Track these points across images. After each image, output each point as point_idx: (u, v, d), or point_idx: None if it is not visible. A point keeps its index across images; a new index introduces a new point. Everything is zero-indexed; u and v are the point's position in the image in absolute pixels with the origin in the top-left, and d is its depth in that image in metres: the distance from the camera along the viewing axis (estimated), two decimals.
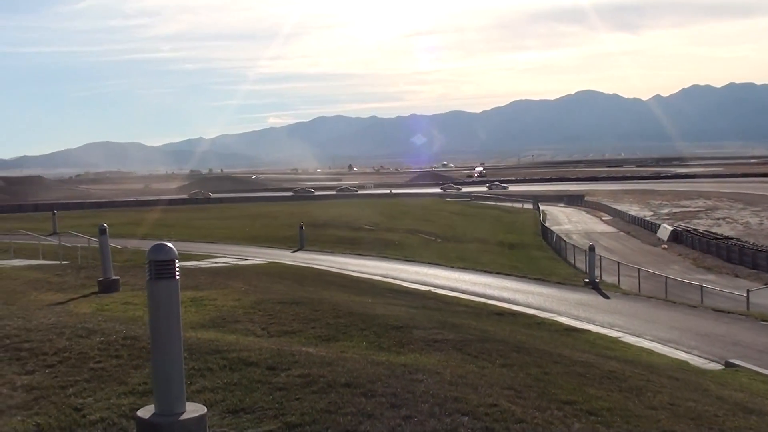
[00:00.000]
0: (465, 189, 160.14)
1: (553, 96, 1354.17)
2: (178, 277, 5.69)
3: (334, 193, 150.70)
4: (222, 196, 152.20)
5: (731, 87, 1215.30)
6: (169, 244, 5.73)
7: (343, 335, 12.74)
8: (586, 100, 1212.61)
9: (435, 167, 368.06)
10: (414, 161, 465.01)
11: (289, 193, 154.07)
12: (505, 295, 29.27)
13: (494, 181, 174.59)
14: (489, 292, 29.81)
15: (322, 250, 46.06)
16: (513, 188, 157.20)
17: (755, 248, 52.01)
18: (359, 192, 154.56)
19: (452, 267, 40.36)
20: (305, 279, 28.24)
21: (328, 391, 7.41)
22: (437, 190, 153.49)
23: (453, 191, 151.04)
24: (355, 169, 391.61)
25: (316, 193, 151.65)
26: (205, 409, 5.86)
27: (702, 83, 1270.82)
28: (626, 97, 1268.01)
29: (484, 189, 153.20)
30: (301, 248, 46.92)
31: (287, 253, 44.49)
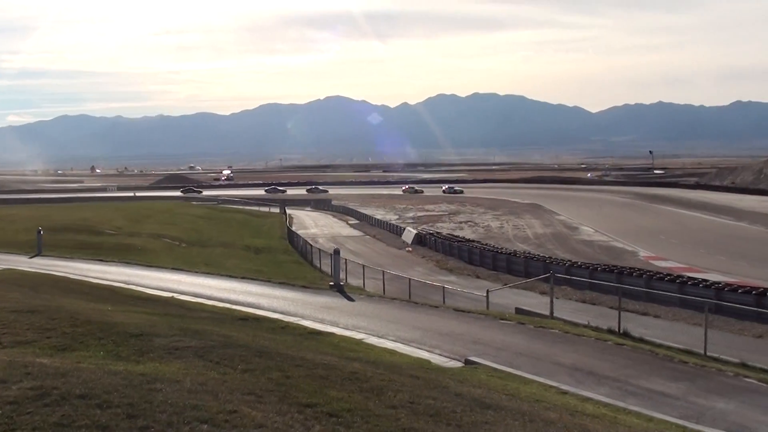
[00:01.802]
0: (214, 192, 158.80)
1: (302, 100, 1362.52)
2: None
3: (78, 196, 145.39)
4: None
5: (475, 96, 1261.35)
6: None
7: (80, 345, 12.26)
8: (336, 105, 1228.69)
9: (181, 169, 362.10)
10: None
11: (30, 196, 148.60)
12: (250, 299, 29.14)
13: (273, 185, 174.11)
14: (233, 297, 29.56)
15: (62, 256, 44.36)
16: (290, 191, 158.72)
17: (495, 250, 54.05)
18: (102, 195, 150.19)
19: (196, 272, 39.78)
20: (42, 286, 27.11)
21: (62, 404, 7.12)
22: (179, 193, 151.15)
23: (195, 194, 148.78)
24: (98, 171, 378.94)
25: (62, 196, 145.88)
26: None
27: (448, 92, 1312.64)
28: (374, 103, 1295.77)
29: (257, 192, 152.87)
30: (39, 254, 45.04)
31: (24, 259, 42.60)
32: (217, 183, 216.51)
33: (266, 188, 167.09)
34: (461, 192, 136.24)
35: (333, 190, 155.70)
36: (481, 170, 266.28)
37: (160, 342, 12.38)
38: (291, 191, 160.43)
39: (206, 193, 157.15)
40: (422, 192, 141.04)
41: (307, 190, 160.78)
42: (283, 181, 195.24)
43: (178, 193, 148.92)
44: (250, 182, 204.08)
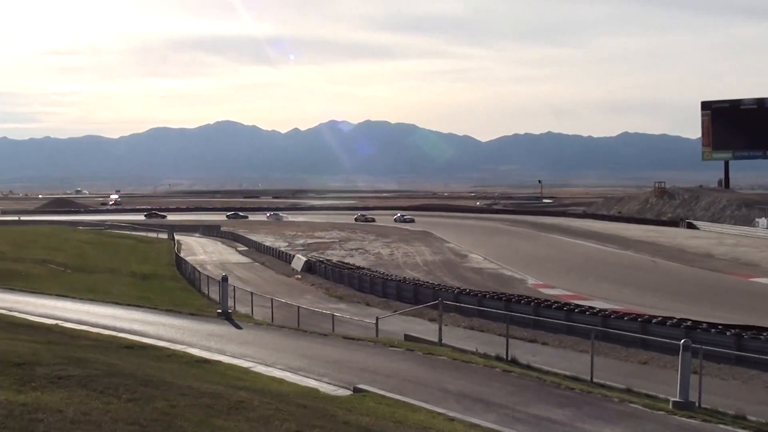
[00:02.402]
0: (99, 217, 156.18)
1: (193, 124, 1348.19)
2: None
3: None
4: None
5: (367, 123, 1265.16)
6: None
7: None
8: (226, 130, 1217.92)
9: (68, 193, 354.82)
10: None
11: None
12: (136, 327, 28.61)
13: (153, 210, 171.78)
14: (119, 324, 28.95)
15: None
16: (171, 217, 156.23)
17: (385, 277, 54.14)
18: None
19: (82, 299, 38.92)
20: None
21: None
22: (68, 217, 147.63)
23: (86, 218, 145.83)
24: None
25: None
26: None
27: (339, 119, 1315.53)
28: (265, 129, 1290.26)
29: (136, 217, 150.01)
30: None
31: None
32: (104, 208, 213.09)
33: (146, 213, 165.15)
34: (373, 220, 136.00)
35: (223, 217, 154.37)
36: (371, 197, 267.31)
37: (43, 371, 12.05)
38: (176, 217, 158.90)
39: (93, 217, 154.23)
40: (374, 220, 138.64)
41: (146, 216, 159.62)
42: (171, 207, 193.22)
43: (65, 218, 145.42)
44: (138, 207, 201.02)
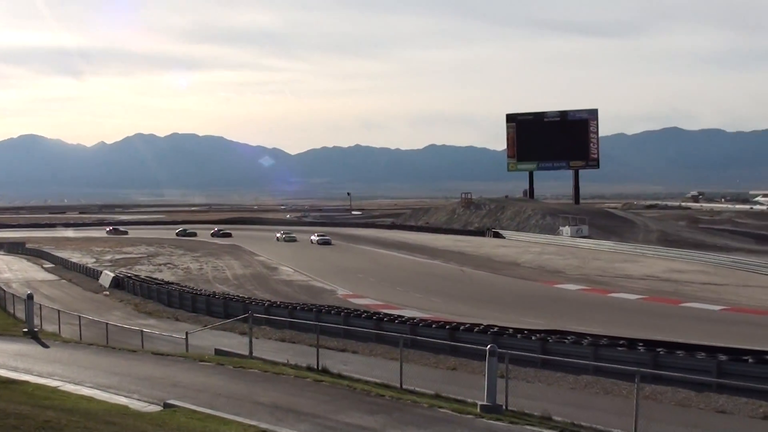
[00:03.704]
0: None
1: None
2: None
3: None
4: None
5: (174, 137, 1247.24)
6: None
7: None
8: (30, 144, 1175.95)
9: None
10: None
11: None
12: None
13: None
14: None
15: None
16: None
17: (195, 292, 53.51)
18: None
19: None
20: None
21: None
22: None
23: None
24: None
25: None
26: None
27: (146, 132, 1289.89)
28: (70, 142, 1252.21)
29: None
30: None
31: None
32: None
33: None
34: (195, 234, 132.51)
35: (33, 233, 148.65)
36: (180, 211, 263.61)
37: None
38: None
39: None
40: (195, 234, 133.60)
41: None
42: None
43: None
44: None
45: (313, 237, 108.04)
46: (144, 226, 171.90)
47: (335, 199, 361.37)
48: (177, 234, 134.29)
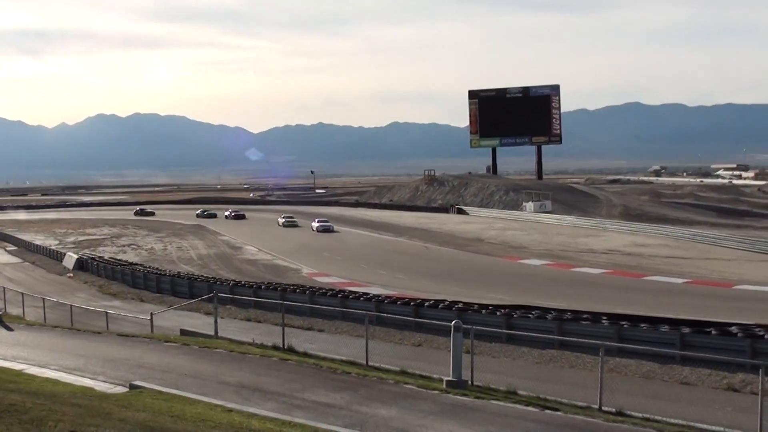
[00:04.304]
0: None
1: None
2: None
3: None
4: None
5: (136, 117, 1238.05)
6: None
7: None
8: None
9: None
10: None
11: None
12: None
13: None
14: None
15: None
16: None
17: (159, 272, 53.34)
18: None
19: None
20: None
21: None
22: None
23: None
24: None
25: None
26: None
27: (108, 113, 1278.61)
28: (31, 124, 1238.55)
29: None
30: None
31: None
32: None
33: None
34: (153, 214, 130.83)
35: None
36: (143, 192, 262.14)
37: None
38: None
39: None
40: (153, 213, 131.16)
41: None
42: None
43: None
44: None
45: (314, 224, 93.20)
46: (102, 208, 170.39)
47: (299, 177, 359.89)
48: (197, 216, 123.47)
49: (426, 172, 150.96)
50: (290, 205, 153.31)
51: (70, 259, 65.90)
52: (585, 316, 29.20)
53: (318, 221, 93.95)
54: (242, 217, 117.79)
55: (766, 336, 24.17)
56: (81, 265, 63.16)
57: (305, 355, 23.55)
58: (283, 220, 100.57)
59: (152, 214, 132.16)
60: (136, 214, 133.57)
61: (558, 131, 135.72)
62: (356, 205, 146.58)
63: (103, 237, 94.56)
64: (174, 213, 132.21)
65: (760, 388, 16.39)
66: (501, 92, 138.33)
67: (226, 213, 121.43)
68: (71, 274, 61.18)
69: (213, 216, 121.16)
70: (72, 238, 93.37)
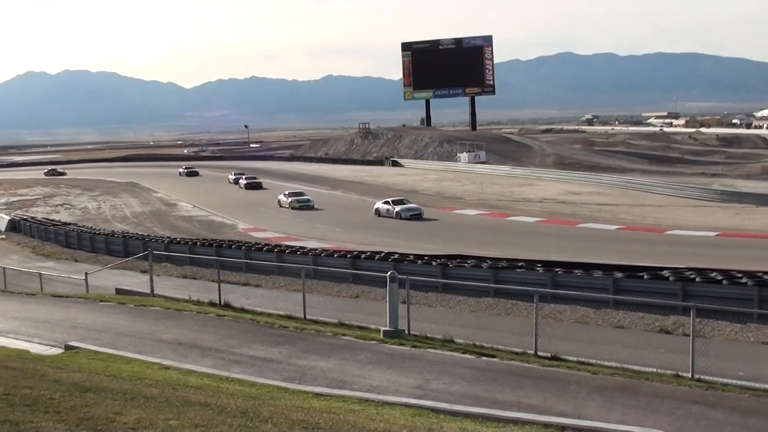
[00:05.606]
0: None
1: None
2: None
3: None
4: None
5: (66, 74, 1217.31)
6: None
7: None
8: None
9: None
10: None
11: None
12: None
13: None
14: None
15: None
16: None
17: (93, 232, 52.77)
18: None
19: None
20: None
21: None
22: None
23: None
24: None
25: None
26: None
27: (37, 70, 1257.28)
28: None
29: None
30: None
31: None
32: None
33: None
34: (64, 174, 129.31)
35: None
36: (76, 150, 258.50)
37: None
38: None
39: None
40: (64, 173, 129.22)
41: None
42: None
43: None
44: None
45: (241, 180, 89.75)
46: (34, 168, 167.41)
47: (233, 132, 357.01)
48: (180, 174, 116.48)
49: (361, 126, 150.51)
50: (224, 160, 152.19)
51: (2, 220, 64.96)
52: (520, 264, 29.47)
53: (245, 178, 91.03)
54: (195, 174, 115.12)
55: (697, 279, 24.62)
56: (13, 226, 62.27)
57: (242, 310, 23.57)
58: (288, 198, 69.04)
59: (63, 174, 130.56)
60: (47, 174, 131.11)
61: (491, 82, 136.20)
62: (291, 159, 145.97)
63: (35, 197, 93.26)
64: (108, 171, 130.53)
65: (691, 329, 16.78)
66: (434, 44, 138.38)
67: (180, 170, 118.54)
68: (3, 236, 60.32)
69: (195, 174, 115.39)
70: (3, 199, 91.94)
